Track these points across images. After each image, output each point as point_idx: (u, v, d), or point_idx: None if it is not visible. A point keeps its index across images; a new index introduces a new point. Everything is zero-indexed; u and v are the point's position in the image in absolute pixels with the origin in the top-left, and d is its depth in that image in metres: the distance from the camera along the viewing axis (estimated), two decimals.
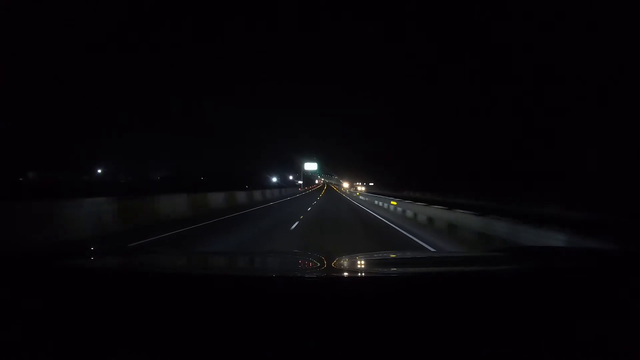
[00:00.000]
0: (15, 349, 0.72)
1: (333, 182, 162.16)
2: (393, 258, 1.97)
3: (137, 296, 0.84)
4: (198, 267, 1.41)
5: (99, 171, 53.20)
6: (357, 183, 78.52)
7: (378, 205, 16.46)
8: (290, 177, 59.95)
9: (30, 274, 0.93)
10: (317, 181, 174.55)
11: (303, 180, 60.96)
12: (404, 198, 16.20)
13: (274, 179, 51.51)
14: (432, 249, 5.56)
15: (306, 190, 53.59)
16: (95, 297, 0.84)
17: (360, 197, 26.58)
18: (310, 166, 65.85)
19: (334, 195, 35.13)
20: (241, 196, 16.42)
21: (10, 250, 1.68)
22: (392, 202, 13.32)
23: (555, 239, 4.00)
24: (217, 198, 12.98)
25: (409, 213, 10.62)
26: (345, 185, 67.32)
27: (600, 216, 9.51)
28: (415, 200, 13.47)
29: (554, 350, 0.72)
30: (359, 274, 1.29)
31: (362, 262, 1.54)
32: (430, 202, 11.04)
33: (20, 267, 0.98)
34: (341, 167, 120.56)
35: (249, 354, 0.71)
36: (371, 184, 72.55)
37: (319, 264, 1.37)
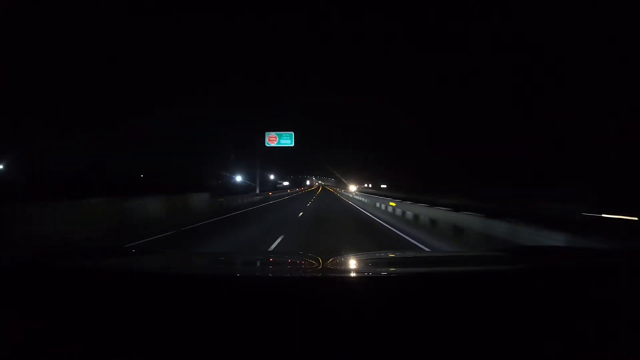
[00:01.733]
0: (15, 349, 0.72)
1: (330, 184, 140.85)
2: (389, 258, 1.93)
3: (136, 296, 0.84)
4: (195, 268, 1.40)
5: None
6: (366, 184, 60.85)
7: None
8: (272, 177, 40.05)
9: (30, 274, 0.93)
10: (308, 182, 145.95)
11: (259, 169, 28.25)
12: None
13: (239, 178, 32.76)
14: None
15: (270, 195, 26.88)
16: (95, 297, 0.84)
17: None
18: (277, 140, 26.47)
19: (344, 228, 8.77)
20: None
21: (10, 251, 1.65)
22: None
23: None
24: None
25: None
26: (352, 188, 46.92)
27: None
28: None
29: (554, 349, 0.72)
30: (354, 274, 1.25)
31: (358, 262, 1.52)
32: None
33: (21, 268, 0.98)
34: (343, 167, 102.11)
35: (246, 354, 0.71)
36: (383, 185, 58.36)
37: (314, 264, 1.37)
